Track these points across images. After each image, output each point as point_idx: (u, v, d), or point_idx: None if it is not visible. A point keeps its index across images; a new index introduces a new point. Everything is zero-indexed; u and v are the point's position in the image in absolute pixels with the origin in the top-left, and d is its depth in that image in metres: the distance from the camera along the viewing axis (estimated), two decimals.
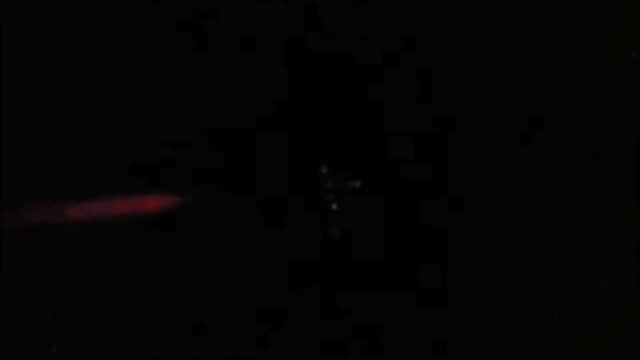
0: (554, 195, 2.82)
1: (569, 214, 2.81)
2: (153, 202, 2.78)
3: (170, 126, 2.85)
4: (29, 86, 2.81)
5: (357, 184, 2.84)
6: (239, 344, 2.75)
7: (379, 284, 2.82)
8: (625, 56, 2.82)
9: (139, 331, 2.74)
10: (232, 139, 2.87)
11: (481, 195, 2.84)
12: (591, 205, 2.81)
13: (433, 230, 2.83)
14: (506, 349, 2.74)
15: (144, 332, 2.74)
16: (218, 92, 2.88)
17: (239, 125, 2.87)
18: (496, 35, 2.86)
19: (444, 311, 2.78)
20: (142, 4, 2.84)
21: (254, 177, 2.86)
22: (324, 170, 2.84)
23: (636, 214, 2.78)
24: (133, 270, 2.78)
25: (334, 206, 2.83)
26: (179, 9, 2.86)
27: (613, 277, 2.76)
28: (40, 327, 2.70)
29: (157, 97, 2.86)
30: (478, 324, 2.76)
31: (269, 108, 2.88)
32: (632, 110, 2.81)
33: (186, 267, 2.80)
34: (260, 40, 2.88)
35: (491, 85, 2.86)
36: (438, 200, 2.84)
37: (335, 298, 2.80)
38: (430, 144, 2.87)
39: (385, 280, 2.82)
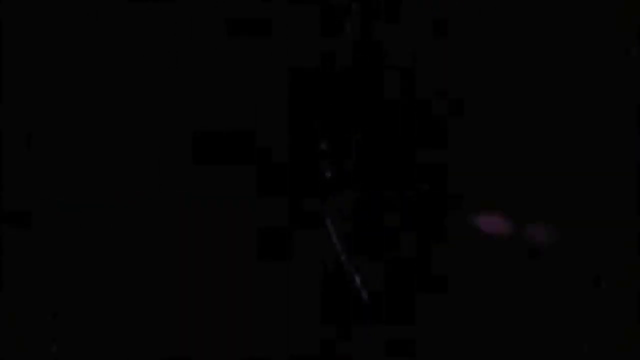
0: (554, 194, 2.82)
1: (569, 214, 2.81)
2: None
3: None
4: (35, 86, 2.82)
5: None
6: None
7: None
8: (626, 54, 2.81)
9: (140, 331, 2.75)
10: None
11: (481, 193, 2.84)
12: (591, 205, 2.80)
13: (431, 228, 2.83)
14: (506, 349, 2.74)
15: (144, 332, 2.75)
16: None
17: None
18: (496, 33, 2.86)
19: (444, 311, 2.78)
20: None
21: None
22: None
23: (636, 214, 2.77)
24: (134, 270, 2.78)
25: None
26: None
27: (613, 277, 2.75)
28: (40, 327, 2.71)
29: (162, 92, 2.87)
30: (477, 323, 2.76)
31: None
32: (633, 110, 2.81)
33: (188, 267, 2.81)
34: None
35: (490, 83, 2.86)
36: (437, 198, 2.84)
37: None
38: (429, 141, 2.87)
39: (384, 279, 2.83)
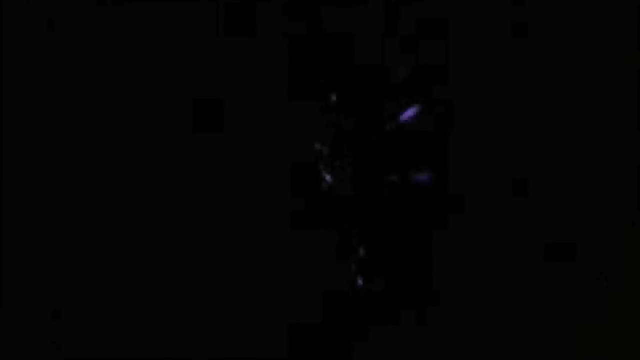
0: (554, 194, 2.82)
1: (569, 213, 2.81)
2: None
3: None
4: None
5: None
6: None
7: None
8: (626, 54, 2.82)
9: (140, 331, 2.74)
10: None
11: (481, 193, 2.84)
12: (591, 204, 2.81)
13: (430, 228, 2.84)
14: (506, 349, 2.74)
15: (144, 332, 2.75)
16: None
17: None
18: (496, 35, 2.87)
19: (445, 312, 2.78)
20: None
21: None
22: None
23: (636, 213, 2.78)
24: (134, 270, 2.78)
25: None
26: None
27: (613, 276, 2.76)
28: (40, 327, 2.71)
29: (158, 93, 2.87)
30: (478, 324, 2.76)
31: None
32: (633, 110, 2.82)
33: (188, 267, 2.81)
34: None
35: (492, 84, 2.86)
36: (437, 199, 2.85)
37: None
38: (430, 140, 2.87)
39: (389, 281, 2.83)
